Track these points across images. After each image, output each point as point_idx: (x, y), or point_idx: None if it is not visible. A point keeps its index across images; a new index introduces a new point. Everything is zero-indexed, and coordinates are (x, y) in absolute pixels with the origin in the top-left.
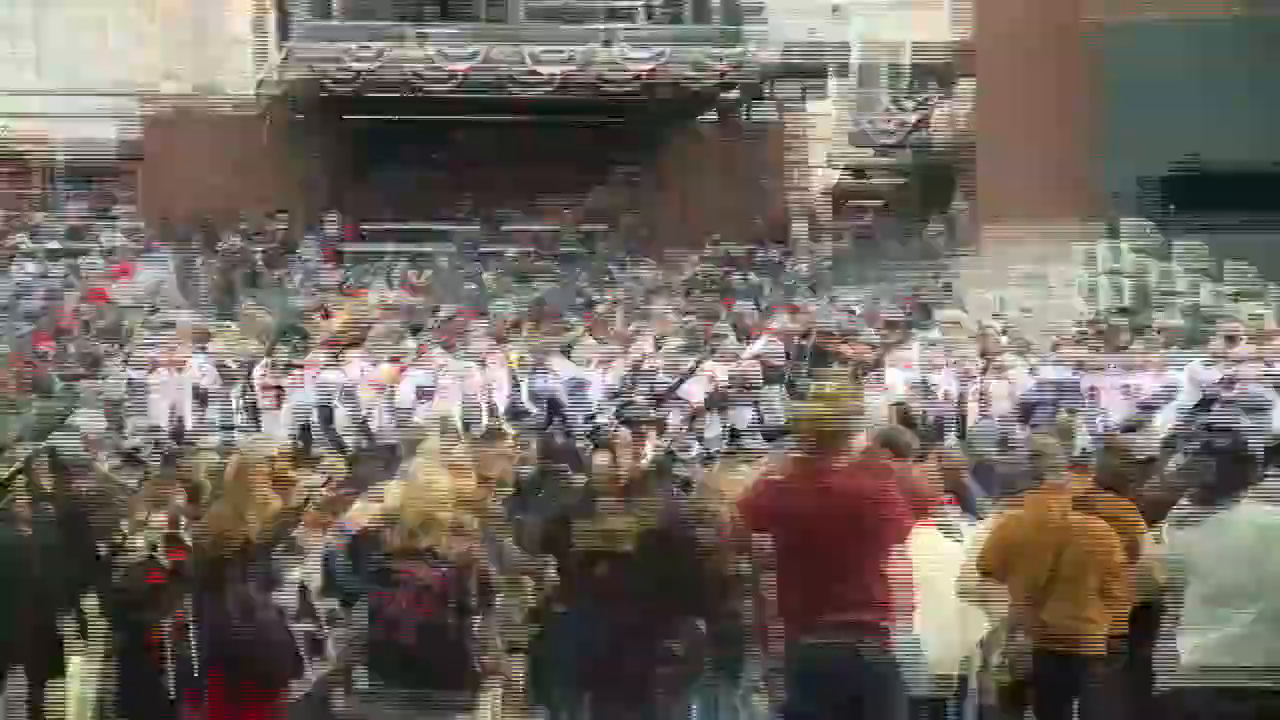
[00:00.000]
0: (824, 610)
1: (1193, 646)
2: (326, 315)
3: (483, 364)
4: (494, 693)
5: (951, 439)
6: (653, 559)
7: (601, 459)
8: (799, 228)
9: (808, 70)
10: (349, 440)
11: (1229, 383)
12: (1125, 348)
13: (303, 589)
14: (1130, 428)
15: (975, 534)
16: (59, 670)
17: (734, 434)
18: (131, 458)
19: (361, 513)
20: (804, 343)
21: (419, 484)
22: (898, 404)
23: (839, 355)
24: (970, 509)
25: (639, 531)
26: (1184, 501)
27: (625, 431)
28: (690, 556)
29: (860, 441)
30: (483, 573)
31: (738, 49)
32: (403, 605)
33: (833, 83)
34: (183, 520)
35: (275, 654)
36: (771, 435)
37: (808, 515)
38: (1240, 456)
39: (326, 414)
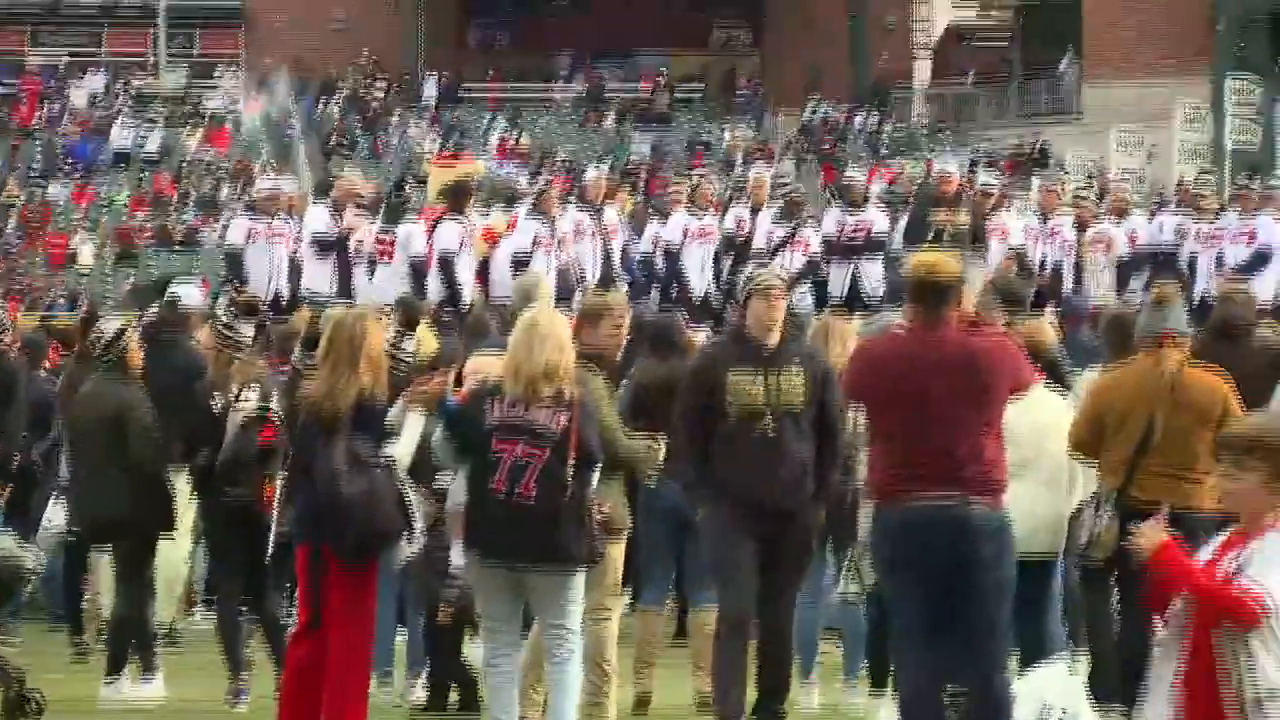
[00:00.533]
0: (932, 471)
1: None
2: (423, 182)
3: (577, 232)
4: (618, 547)
5: (1047, 310)
6: (815, 413)
7: (760, 304)
8: (898, 90)
9: None
10: (469, 292)
11: None
12: (1217, 214)
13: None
14: (1250, 269)
15: (1084, 380)
16: (169, 525)
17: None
18: (245, 313)
19: (473, 374)
20: (905, 208)
21: (541, 328)
22: (1013, 252)
23: (941, 221)
24: (1062, 381)
25: (808, 384)
26: None
27: (781, 282)
28: (838, 412)
29: (971, 299)
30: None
31: None
32: (525, 455)
33: None
34: (297, 374)
35: (385, 512)
36: (870, 305)
37: (918, 375)
38: None
39: (448, 265)
